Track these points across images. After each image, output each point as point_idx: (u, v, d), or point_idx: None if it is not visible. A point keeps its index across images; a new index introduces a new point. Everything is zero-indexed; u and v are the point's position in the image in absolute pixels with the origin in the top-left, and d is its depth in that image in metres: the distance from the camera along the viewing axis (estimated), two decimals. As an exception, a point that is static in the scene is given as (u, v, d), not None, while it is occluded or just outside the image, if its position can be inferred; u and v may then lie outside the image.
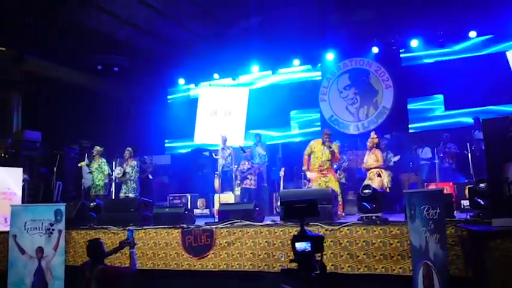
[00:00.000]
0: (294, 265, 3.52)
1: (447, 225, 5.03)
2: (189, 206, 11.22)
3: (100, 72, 14.49)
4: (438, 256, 4.45)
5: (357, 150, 11.55)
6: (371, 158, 8.39)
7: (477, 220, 4.97)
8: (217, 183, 11.30)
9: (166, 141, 15.39)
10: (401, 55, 12.34)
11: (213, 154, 10.15)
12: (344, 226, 5.51)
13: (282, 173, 10.86)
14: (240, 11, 13.30)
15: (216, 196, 10.60)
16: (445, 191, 8.35)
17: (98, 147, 9.49)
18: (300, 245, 3.26)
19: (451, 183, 8.41)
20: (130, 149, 9.42)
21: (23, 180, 8.13)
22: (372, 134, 8.92)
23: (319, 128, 13.00)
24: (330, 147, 7.94)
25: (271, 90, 13.83)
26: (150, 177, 11.66)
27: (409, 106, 12.19)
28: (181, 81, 14.99)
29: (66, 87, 13.78)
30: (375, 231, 5.36)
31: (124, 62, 14.67)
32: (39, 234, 6.88)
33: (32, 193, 9.76)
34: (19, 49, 11.30)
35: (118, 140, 14.59)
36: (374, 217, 5.55)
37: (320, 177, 7.91)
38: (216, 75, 14.48)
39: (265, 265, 5.87)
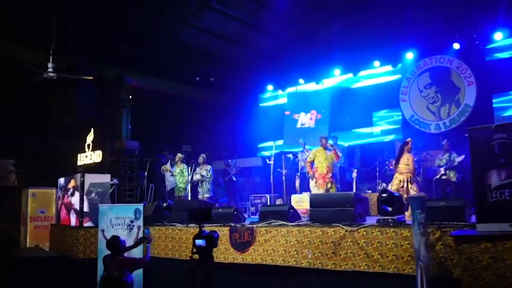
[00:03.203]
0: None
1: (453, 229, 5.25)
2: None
3: (198, 83, 16.07)
4: (425, 258, 4.77)
5: (433, 150, 11.41)
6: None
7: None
8: (297, 184, 12.06)
9: (259, 145, 16.39)
10: (485, 50, 11.85)
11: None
12: (362, 227, 5.91)
13: (354, 174, 11.23)
14: (322, 17, 13.88)
15: (293, 196, 11.29)
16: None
17: (179, 154, 10.79)
18: (198, 242, 4.03)
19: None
20: (204, 155, 10.54)
21: (113, 184, 9.74)
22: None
23: (401, 130, 13.06)
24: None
25: (353, 92, 14.14)
26: (234, 179, 12.74)
27: (494, 103, 11.66)
28: (270, 87, 15.94)
29: (168, 98, 15.58)
30: (388, 233, 5.68)
31: (219, 72, 16.08)
32: (122, 229, 8.30)
33: (130, 194, 11.48)
34: (121, 69, 13.20)
35: (215, 143, 16.07)
36: (389, 219, 5.86)
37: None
38: (301, 80, 15.17)
39: (294, 261, 6.48)
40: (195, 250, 4.19)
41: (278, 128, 15.51)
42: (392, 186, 8.06)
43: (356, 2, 12.93)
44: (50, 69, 9.51)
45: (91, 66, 12.11)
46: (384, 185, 11.34)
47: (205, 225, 7.65)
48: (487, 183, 4.46)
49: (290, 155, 12.74)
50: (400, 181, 8.07)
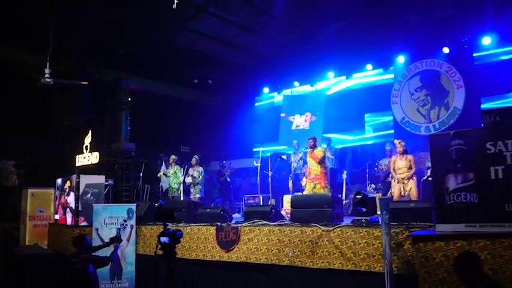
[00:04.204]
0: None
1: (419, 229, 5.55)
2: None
3: (196, 85, 16.43)
4: (389, 256, 5.09)
5: (423, 152, 11.67)
6: (404, 164, 8.74)
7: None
8: (290, 184, 12.40)
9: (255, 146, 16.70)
10: (474, 54, 12.13)
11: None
12: (337, 227, 6.22)
13: (344, 176, 11.58)
14: (317, 22, 14.22)
15: (285, 197, 11.62)
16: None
17: (173, 156, 11.15)
18: (162, 239, 4.40)
19: None
20: (197, 156, 10.88)
21: (108, 185, 10.12)
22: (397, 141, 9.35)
23: (392, 131, 13.34)
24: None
25: (346, 95, 14.45)
26: (228, 179, 13.08)
27: (483, 106, 11.89)
28: (266, 90, 16.31)
29: (167, 100, 15.94)
30: (361, 232, 5.98)
31: (216, 75, 16.44)
32: (115, 228, 8.66)
33: (127, 194, 11.86)
34: (120, 72, 13.60)
35: (213, 144, 16.43)
36: (363, 220, 6.18)
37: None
38: (296, 83, 15.51)
39: (277, 259, 6.79)
40: (159, 246, 4.55)
41: (274, 130, 15.84)
42: None
43: (350, 7, 13.24)
44: (47, 75, 9.89)
45: (89, 69, 12.48)
46: (373, 186, 11.69)
47: (191, 224, 8.11)
48: (445, 186, 4.76)
49: (284, 156, 13.08)
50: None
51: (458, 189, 4.67)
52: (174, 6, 7.42)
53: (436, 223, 4.87)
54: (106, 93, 13.82)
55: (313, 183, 9.27)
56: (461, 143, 4.71)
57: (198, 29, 14.39)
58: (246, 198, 12.64)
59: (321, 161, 9.36)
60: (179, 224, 8.31)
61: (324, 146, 13.10)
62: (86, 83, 10.75)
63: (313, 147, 9.46)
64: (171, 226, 8.29)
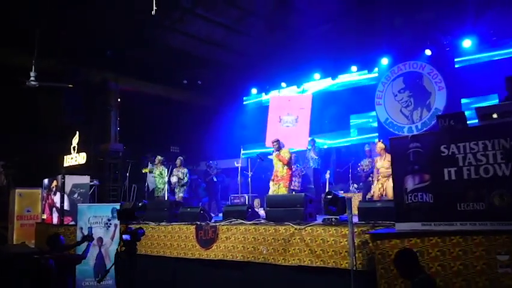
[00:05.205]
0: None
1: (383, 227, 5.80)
2: (247, 205, 12.65)
3: (185, 86, 16.64)
4: (351, 253, 5.33)
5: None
6: (382, 164, 8.96)
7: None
8: (276, 184, 12.59)
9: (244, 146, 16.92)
10: (455, 56, 12.40)
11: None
12: (308, 226, 6.47)
13: (327, 176, 11.80)
14: (303, 24, 14.43)
15: (269, 196, 11.82)
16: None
17: (159, 157, 11.35)
18: (125, 236, 4.66)
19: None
20: (181, 158, 11.10)
21: (93, 185, 10.34)
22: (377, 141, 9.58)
23: (376, 133, 13.58)
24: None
25: (331, 96, 14.68)
26: (215, 179, 13.31)
27: (463, 107, 12.16)
28: (254, 90, 16.52)
29: (157, 101, 16.14)
30: (329, 231, 6.23)
31: (206, 76, 16.65)
32: (99, 227, 8.88)
33: (114, 194, 12.08)
34: (110, 73, 13.80)
35: (202, 144, 16.64)
36: (333, 219, 6.42)
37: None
38: (283, 84, 15.74)
39: (252, 256, 7.03)
40: (122, 243, 4.79)
41: (262, 130, 16.01)
42: None
43: (336, 9, 13.47)
44: (32, 78, 10.08)
45: (78, 70, 12.66)
46: (355, 185, 11.94)
47: (173, 223, 8.34)
48: (404, 187, 5.00)
49: (271, 157, 13.26)
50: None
51: (416, 189, 4.91)
52: (153, 12, 7.63)
53: (395, 222, 5.10)
54: (95, 94, 13.98)
55: (278, 184, 9.45)
56: (418, 146, 4.95)
57: (186, 30, 14.57)
58: (232, 198, 12.87)
59: (289, 163, 9.47)
60: (161, 223, 8.56)
61: (309, 146, 13.35)
62: (71, 85, 10.94)
63: (279, 149, 9.60)
64: (153, 225, 8.62)
